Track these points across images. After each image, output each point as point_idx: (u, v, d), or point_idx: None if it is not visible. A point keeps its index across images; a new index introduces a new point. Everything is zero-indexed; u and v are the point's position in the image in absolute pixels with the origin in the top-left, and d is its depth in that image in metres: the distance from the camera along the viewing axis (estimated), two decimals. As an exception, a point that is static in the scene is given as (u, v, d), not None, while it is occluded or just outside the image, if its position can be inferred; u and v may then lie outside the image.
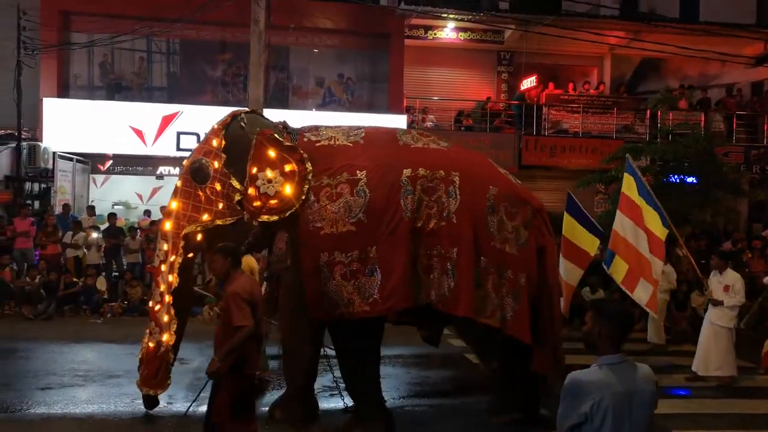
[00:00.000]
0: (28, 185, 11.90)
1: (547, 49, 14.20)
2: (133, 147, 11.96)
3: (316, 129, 5.19)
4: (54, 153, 11.62)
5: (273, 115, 7.57)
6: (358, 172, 4.74)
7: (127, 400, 5.40)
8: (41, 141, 11.87)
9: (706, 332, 6.54)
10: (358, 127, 5.24)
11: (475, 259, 4.68)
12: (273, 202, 4.68)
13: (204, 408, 4.15)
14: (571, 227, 6.98)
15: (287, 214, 4.66)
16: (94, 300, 9.36)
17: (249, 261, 6.25)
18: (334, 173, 4.75)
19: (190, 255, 4.99)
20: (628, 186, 6.47)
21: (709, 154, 10.95)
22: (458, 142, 12.69)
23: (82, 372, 6.38)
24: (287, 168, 4.73)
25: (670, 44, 11.77)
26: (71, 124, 11.79)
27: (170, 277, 4.78)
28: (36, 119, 11.87)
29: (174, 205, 4.89)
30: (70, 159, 11.83)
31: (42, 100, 12.02)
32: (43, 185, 12.07)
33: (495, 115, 14.32)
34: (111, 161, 12.50)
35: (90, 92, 13.32)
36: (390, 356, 7.29)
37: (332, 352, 5.33)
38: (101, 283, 9.67)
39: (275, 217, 4.68)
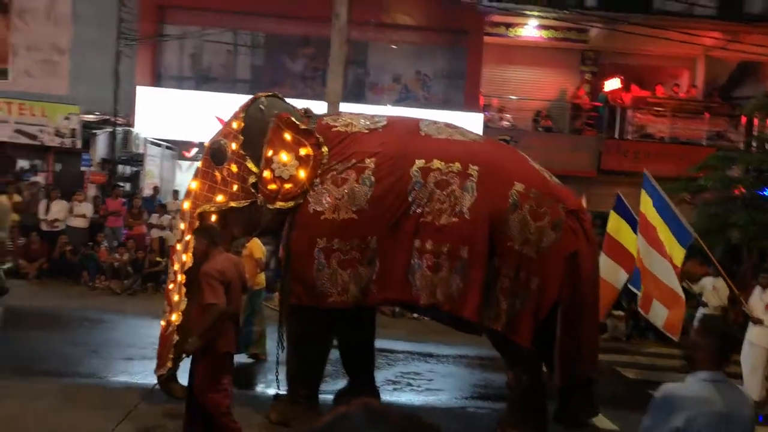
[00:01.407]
0: (120, 168, 12.69)
1: (635, 49, 13.58)
2: (216, 136, 12.47)
3: (337, 115, 5.11)
4: (145, 139, 12.35)
5: (350, 109, 7.69)
6: (366, 159, 4.59)
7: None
8: (134, 127, 12.65)
9: (744, 352, 6.19)
10: (382, 116, 5.12)
11: (487, 260, 4.41)
12: (288, 186, 4.62)
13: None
14: (616, 226, 6.68)
15: (302, 200, 4.59)
16: (175, 279, 9.88)
17: (253, 245, 6.23)
18: (345, 159, 4.62)
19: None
20: (645, 205, 6.09)
21: (812, 166, 10.14)
22: (535, 142, 12.54)
23: (161, 346, 6.77)
24: (302, 152, 4.65)
25: (773, 46, 10.96)
26: (162, 112, 12.46)
27: (184, 256, 4.71)
28: (130, 106, 12.63)
29: (194, 185, 4.90)
30: (159, 145, 12.52)
31: (136, 88, 12.79)
32: (133, 169, 12.84)
33: (576, 116, 13.88)
34: (196, 149, 13.12)
35: (179, 82, 14.01)
36: (453, 356, 7.28)
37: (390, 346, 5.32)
38: (181, 264, 10.19)
39: (291, 203, 4.61)
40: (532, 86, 14.50)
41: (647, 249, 5.95)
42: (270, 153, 4.68)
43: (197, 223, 4.68)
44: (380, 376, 5.83)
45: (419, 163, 4.56)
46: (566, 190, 4.92)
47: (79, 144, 11.88)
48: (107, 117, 12.65)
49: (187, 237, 4.72)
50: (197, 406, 4.09)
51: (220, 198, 4.75)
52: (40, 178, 12.07)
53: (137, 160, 12.61)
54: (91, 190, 11.79)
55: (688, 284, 8.59)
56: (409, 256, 4.46)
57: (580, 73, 14.71)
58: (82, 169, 11.98)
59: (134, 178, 12.75)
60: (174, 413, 4.51)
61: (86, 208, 10.65)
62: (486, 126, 12.52)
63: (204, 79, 14.02)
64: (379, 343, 6.59)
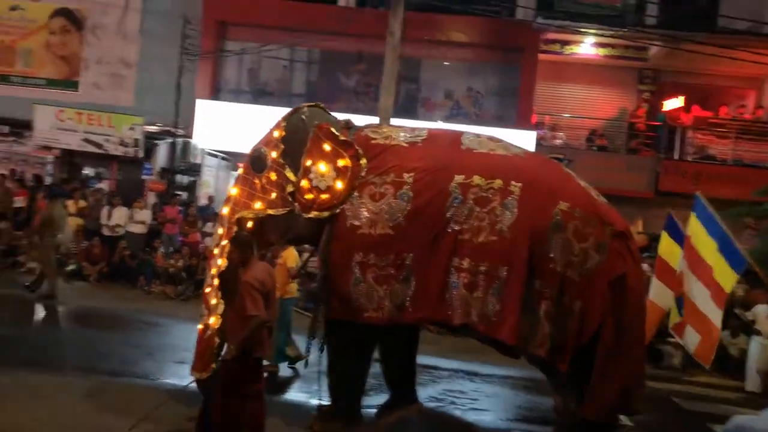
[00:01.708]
0: (178, 177, 13.16)
1: (698, 68, 13.15)
2: (270, 148, 12.78)
3: (377, 127, 5.06)
4: (202, 150, 12.79)
5: (400, 124, 7.77)
6: (405, 174, 4.50)
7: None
8: (192, 138, 13.13)
9: None
10: (422, 129, 5.05)
11: (527, 281, 4.23)
12: (324, 196, 4.59)
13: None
14: (669, 248, 6.41)
15: (338, 211, 4.57)
16: (226, 287, 10.13)
17: (288, 254, 6.28)
18: (383, 172, 4.57)
19: None
20: (693, 228, 5.80)
21: None
22: (589, 162, 12.27)
23: (211, 352, 6.94)
24: (341, 163, 4.61)
25: None
26: (219, 124, 12.88)
27: (220, 261, 4.73)
28: (190, 118, 13.12)
29: (233, 191, 4.95)
30: (216, 156, 12.94)
31: (195, 101, 13.29)
32: (191, 178, 13.30)
33: (633, 135, 13.53)
34: (250, 160, 13.46)
35: (237, 96, 14.47)
36: (499, 376, 7.14)
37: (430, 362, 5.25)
38: (233, 272, 10.43)
39: (326, 213, 4.58)
40: (588, 104, 14.24)
41: (688, 273, 5.75)
42: (308, 163, 4.68)
43: (235, 229, 4.74)
44: (424, 393, 5.78)
45: (459, 178, 4.45)
46: (613, 211, 4.71)
47: (141, 153, 12.39)
48: (168, 128, 13.18)
49: (224, 242, 4.78)
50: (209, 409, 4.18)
51: (258, 205, 4.78)
52: (104, 185, 12.67)
53: (194, 170, 13.05)
54: (151, 198, 12.26)
55: (740, 311, 8.20)
56: (445, 275, 4.36)
57: (637, 92, 14.36)
58: (143, 177, 12.49)
59: (191, 188, 13.19)
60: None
61: (145, 215, 11.08)
62: (539, 144, 12.37)
63: (260, 93, 14.42)
64: (423, 360, 6.54)
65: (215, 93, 14.05)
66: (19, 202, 11.32)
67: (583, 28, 12.86)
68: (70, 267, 10.21)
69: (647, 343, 5.42)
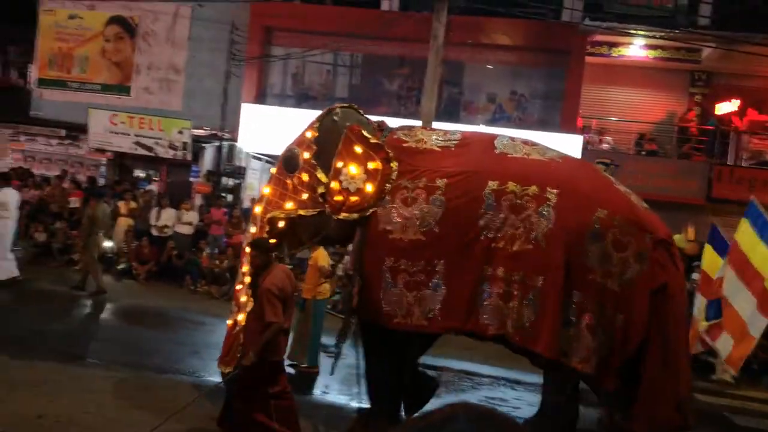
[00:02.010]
0: (224, 180, 13.46)
1: (754, 70, 12.63)
2: (313, 152, 12.94)
3: (409, 129, 5.00)
4: (247, 153, 13.05)
5: (442, 128, 7.73)
6: (437, 179, 4.42)
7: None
8: (238, 142, 13.41)
9: None
10: (455, 132, 4.96)
11: (564, 292, 4.08)
12: (354, 199, 4.55)
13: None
14: (711, 262, 6.15)
15: (368, 213, 4.53)
16: (268, 288, 10.29)
17: (319, 254, 6.28)
18: (415, 177, 4.49)
19: (273, 240, 4.91)
20: (742, 233, 5.51)
21: None
22: (637, 167, 11.94)
23: (254, 351, 7.07)
24: (371, 166, 4.57)
25: None
26: (264, 128, 13.12)
27: None
28: (236, 122, 13.42)
29: (266, 190, 5.00)
30: (260, 159, 13.18)
31: (241, 105, 13.58)
32: (236, 181, 13.59)
33: (684, 140, 13.09)
34: (293, 163, 13.65)
35: (281, 100, 14.70)
36: (541, 385, 7.01)
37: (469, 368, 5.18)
38: (275, 273, 10.59)
39: (355, 215, 4.55)
40: (636, 108, 13.86)
41: (731, 278, 5.53)
42: (340, 164, 4.67)
43: (267, 228, 4.80)
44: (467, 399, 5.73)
45: (492, 184, 4.35)
46: (654, 217, 4.52)
47: (189, 156, 12.74)
48: (215, 132, 13.51)
49: None
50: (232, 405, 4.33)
51: (289, 205, 4.80)
52: (153, 187, 13.08)
53: (239, 173, 13.32)
54: (197, 200, 12.59)
55: None
56: (477, 284, 4.27)
57: (689, 94, 13.89)
58: (191, 179, 12.83)
59: (236, 190, 13.48)
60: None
61: (192, 217, 11.37)
62: (585, 148, 12.12)
63: (304, 98, 14.61)
64: (464, 366, 6.50)
65: (260, 97, 14.30)
66: (74, 202, 11.80)
67: (633, 29, 12.53)
68: (121, 266, 10.56)
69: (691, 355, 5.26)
